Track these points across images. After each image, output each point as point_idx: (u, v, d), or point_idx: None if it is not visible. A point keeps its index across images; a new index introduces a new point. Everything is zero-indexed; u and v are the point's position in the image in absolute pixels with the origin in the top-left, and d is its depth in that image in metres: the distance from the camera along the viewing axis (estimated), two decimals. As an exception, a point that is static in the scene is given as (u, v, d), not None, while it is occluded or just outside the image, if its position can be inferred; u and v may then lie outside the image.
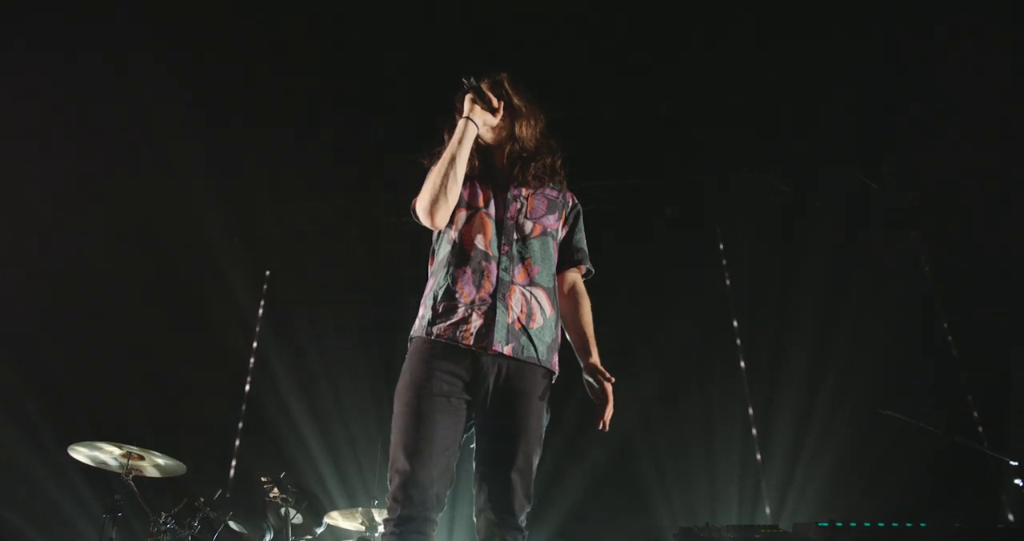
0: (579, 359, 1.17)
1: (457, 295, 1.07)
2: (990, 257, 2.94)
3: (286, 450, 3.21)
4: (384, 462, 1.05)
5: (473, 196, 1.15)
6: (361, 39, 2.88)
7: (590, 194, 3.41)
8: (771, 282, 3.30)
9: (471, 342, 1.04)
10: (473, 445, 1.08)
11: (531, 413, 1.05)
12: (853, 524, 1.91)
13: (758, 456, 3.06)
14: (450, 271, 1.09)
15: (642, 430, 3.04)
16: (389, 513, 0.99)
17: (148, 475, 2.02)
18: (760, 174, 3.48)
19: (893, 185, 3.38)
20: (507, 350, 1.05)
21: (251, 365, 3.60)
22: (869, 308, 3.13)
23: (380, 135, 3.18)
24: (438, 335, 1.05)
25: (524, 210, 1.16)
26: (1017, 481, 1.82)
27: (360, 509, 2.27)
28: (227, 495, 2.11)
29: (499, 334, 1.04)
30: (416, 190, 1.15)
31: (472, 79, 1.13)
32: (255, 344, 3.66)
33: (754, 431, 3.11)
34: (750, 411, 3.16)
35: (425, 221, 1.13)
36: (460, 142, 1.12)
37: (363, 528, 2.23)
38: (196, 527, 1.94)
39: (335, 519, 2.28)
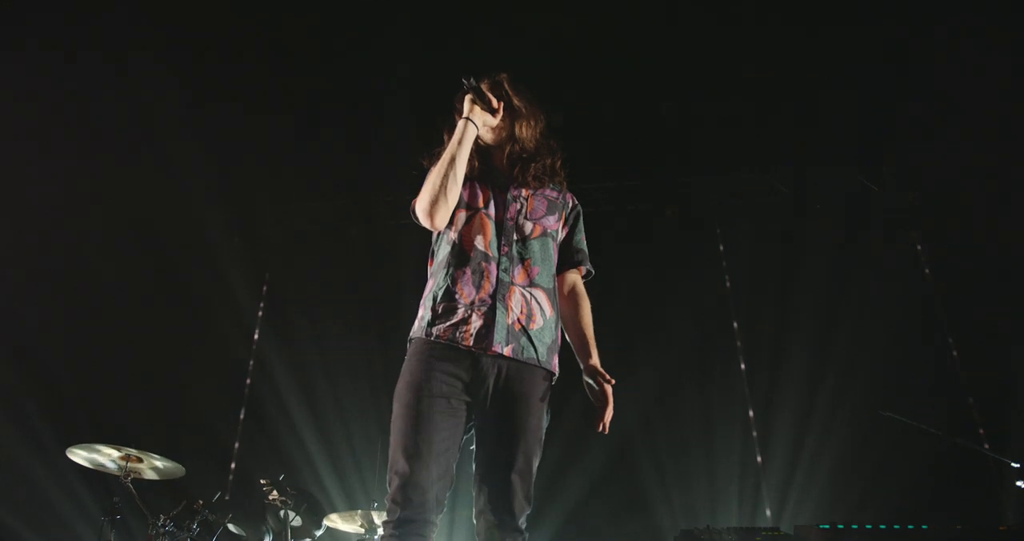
0: (579, 360, 1.17)
1: (457, 296, 1.06)
2: (990, 257, 2.94)
3: (285, 452, 3.20)
4: (384, 464, 1.04)
5: (473, 197, 1.15)
6: (361, 39, 2.87)
7: (590, 195, 3.40)
8: (771, 282, 3.30)
9: (471, 343, 1.03)
10: (473, 447, 1.07)
11: (531, 414, 1.04)
12: (855, 526, 1.91)
13: (758, 457, 3.05)
14: (450, 272, 1.09)
15: (642, 431, 3.03)
16: (388, 515, 0.99)
17: (147, 477, 2.02)
18: (760, 174, 3.48)
19: (893, 185, 3.38)
20: (507, 351, 1.04)
21: (250, 366, 3.59)
22: (869, 308, 3.12)
23: (380, 135, 3.17)
24: (438, 336, 1.05)
25: (524, 211, 1.15)
26: (1019, 483, 1.82)
27: (359, 511, 2.26)
28: (226, 497, 2.11)
29: (499, 335, 1.04)
30: (416, 190, 1.15)
31: (472, 79, 1.13)
32: (255, 345, 3.65)
33: (754, 432, 3.11)
34: (750, 412, 3.16)
35: (424, 222, 1.12)
36: (460, 143, 1.11)
37: (363, 530, 2.22)
38: (195, 530, 1.93)
39: (334, 521, 2.27)
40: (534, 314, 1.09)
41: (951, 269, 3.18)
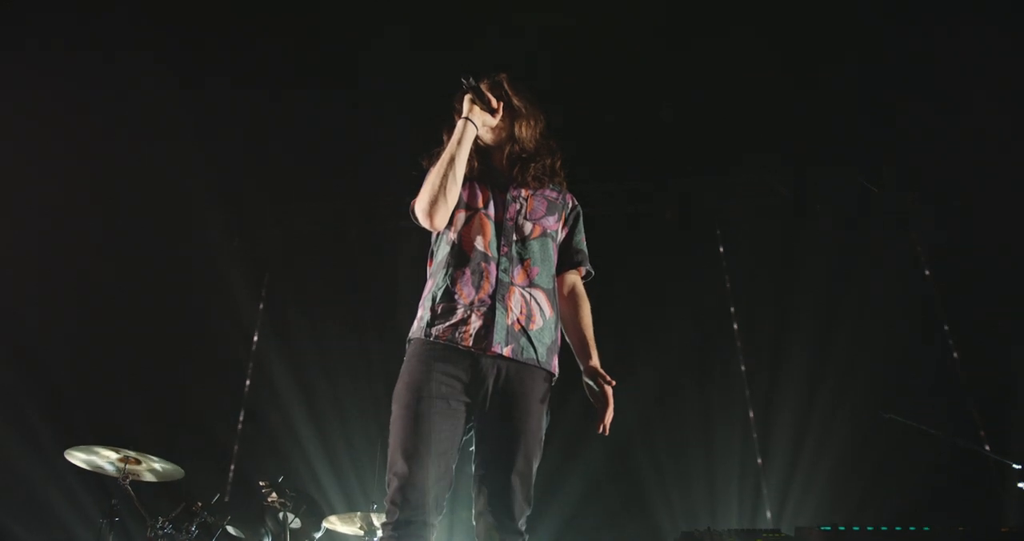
0: (579, 362, 1.17)
1: (456, 296, 1.06)
2: (990, 257, 2.94)
3: (284, 453, 3.19)
4: (383, 465, 1.04)
5: (472, 197, 1.15)
6: (361, 40, 2.88)
7: (589, 196, 3.40)
8: (771, 283, 3.29)
9: (470, 343, 1.03)
10: (472, 448, 1.07)
11: (531, 416, 1.04)
12: (856, 528, 1.90)
13: (758, 458, 3.05)
14: (449, 272, 1.08)
15: (642, 432, 3.02)
16: (387, 517, 0.98)
17: (145, 479, 2.01)
18: (760, 175, 3.48)
19: (893, 185, 3.38)
20: (506, 352, 1.04)
21: (250, 367, 3.59)
22: (869, 308, 3.12)
23: (380, 135, 3.17)
24: (437, 336, 1.04)
25: (524, 211, 1.15)
26: (1020, 484, 1.81)
27: (359, 513, 2.25)
28: (225, 499, 2.10)
29: (498, 335, 1.04)
30: (415, 191, 1.14)
31: (471, 79, 1.13)
32: (254, 346, 3.64)
33: (754, 433, 3.10)
34: (750, 413, 3.15)
35: (424, 222, 1.12)
36: (459, 143, 1.11)
37: (362, 532, 2.21)
38: (194, 532, 1.92)
39: (334, 523, 2.26)
40: (534, 314, 1.08)
41: (951, 269, 3.17)
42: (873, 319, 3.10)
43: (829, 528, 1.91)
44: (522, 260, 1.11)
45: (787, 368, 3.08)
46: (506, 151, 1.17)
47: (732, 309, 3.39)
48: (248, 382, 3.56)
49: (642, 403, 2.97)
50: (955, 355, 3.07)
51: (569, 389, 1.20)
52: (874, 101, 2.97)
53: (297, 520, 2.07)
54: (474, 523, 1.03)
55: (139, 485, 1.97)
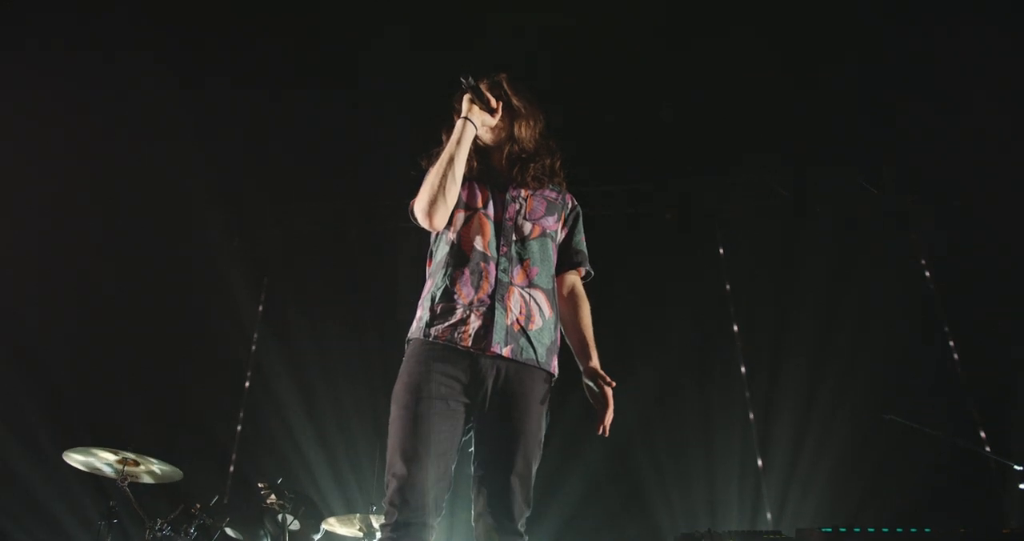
0: (578, 363, 1.16)
1: (455, 296, 1.06)
2: (990, 257, 2.93)
3: (284, 455, 3.18)
4: (382, 467, 1.03)
5: (472, 197, 1.14)
6: (361, 40, 2.87)
7: (590, 197, 3.40)
8: (771, 284, 3.29)
9: (469, 344, 1.03)
10: (472, 449, 1.06)
11: (530, 417, 1.04)
12: (857, 529, 1.89)
13: (759, 460, 3.04)
14: (448, 272, 1.08)
15: (642, 433, 3.02)
16: (386, 518, 0.98)
17: (144, 481, 2.00)
18: (760, 175, 3.48)
19: (892, 186, 3.37)
20: (506, 352, 1.04)
21: (249, 369, 3.58)
22: (869, 309, 3.12)
23: (380, 135, 3.17)
24: (436, 337, 1.04)
25: (523, 211, 1.15)
26: (1022, 485, 1.81)
27: (358, 515, 2.24)
28: (224, 501, 2.10)
29: (498, 335, 1.03)
30: (415, 191, 1.14)
31: (470, 79, 1.13)
32: (253, 347, 3.64)
33: (755, 434, 3.10)
34: (750, 414, 3.15)
35: (423, 222, 1.12)
36: (458, 142, 1.11)
37: (361, 534, 2.21)
38: (192, 534, 1.92)
39: (333, 525, 2.25)
40: (533, 315, 1.08)
41: (951, 269, 3.17)
42: (873, 319, 3.09)
43: (830, 529, 1.90)
44: (521, 260, 1.10)
45: (787, 368, 3.08)
46: (505, 151, 1.17)
47: (732, 309, 3.39)
48: (247, 383, 3.55)
49: (642, 404, 2.97)
50: (955, 356, 3.06)
51: (569, 390, 1.19)
52: (874, 101, 2.97)
53: (296, 522, 2.07)
54: (473, 524, 1.03)
55: (137, 487, 1.97)
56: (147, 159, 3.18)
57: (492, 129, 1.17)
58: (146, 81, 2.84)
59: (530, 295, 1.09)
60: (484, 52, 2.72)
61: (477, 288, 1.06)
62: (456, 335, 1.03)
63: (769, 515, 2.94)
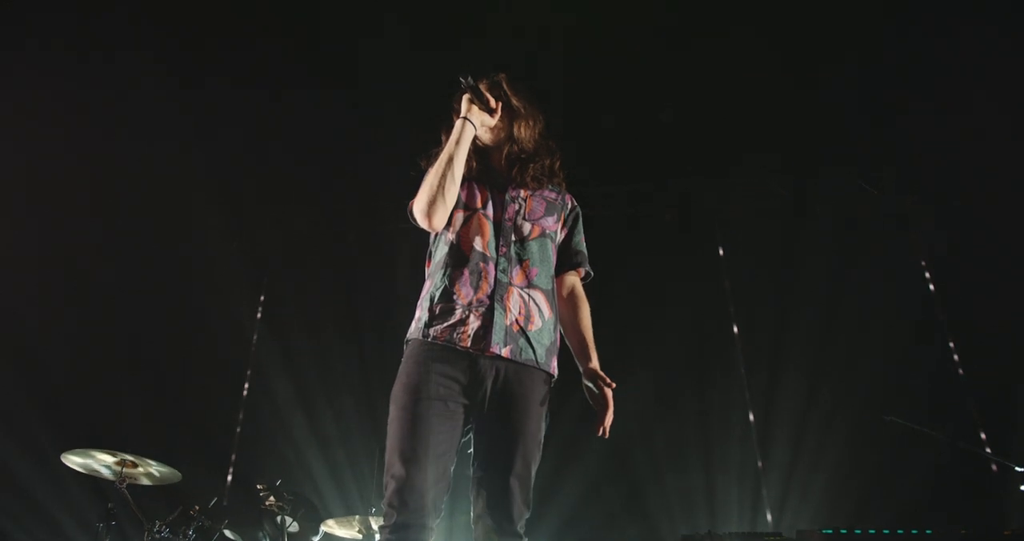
0: (578, 364, 1.16)
1: (455, 297, 1.05)
2: (990, 257, 2.93)
3: (283, 456, 3.17)
4: (381, 468, 1.03)
5: (471, 197, 1.14)
6: (361, 40, 2.87)
7: (589, 197, 3.39)
8: (771, 284, 3.29)
9: (468, 344, 1.02)
10: (471, 450, 1.06)
11: (530, 417, 1.03)
12: (858, 531, 1.89)
13: (758, 461, 3.03)
14: (447, 273, 1.08)
15: (641, 435, 3.01)
16: (385, 519, 0.97)
17: (142, 483, 2.00)
18: (760, 176, 3.47)
19: (892, 187, 3.37)
20: (505, 352, 1.03)
21: (249, 370, 3.57)
22: (869, 309, 3.11)
23: (380, 136, 3.17)
24: (435, 337, 1.03)
25: (522, 212, 1.14)
26: (1023, 487, 1.80)
27: (357, 517, 2.23)
28: (223, 503, 2.09)
29: (497, 336, 1.03)
30: (414, 191, 1.13)
31: (469, 79, 1.12)
32: (253, 348, 3.63)
33: (754, 435, 3.09)
34: (750, 415, 3.14)
35: (422, 223, 1.11)
36: (457, 143, 1.10)
37: (360, 536, 2.20)
38: (191, 536, 1.91)
39: (332, 527, 2.24)
40: (532, 315, 1.08)
41: (951, 269, 3.17)
42: (873, 319, 3.09)
43: (831, 531, 1.90)
44: (521, 261, 1.10)
45: (787, 369, 3.07)
46: (505, 151, 1.17)
47: (732, 309, 3.38)
48: (247, 384, 3.54)
49: (642, 405, 2.96)
50: (955, 357, 3.06)
51: (568, 390, 1.19)
52: (874, 101, 2.97)
53: (295, 524, 2.06)
54: (472, 526, 1.02)
55: (136, 489, 1.96)
56: (147, 159, 3.17)
57: (491, 129, 1.16)
58: (146, 81, 2.84)
59: (529, 296, 1.09)
60: (484, 52, 2.72)
61: (476, 288, 1.06)
62: (455, 335, 1.03)
63: (769, 516, 2.94)
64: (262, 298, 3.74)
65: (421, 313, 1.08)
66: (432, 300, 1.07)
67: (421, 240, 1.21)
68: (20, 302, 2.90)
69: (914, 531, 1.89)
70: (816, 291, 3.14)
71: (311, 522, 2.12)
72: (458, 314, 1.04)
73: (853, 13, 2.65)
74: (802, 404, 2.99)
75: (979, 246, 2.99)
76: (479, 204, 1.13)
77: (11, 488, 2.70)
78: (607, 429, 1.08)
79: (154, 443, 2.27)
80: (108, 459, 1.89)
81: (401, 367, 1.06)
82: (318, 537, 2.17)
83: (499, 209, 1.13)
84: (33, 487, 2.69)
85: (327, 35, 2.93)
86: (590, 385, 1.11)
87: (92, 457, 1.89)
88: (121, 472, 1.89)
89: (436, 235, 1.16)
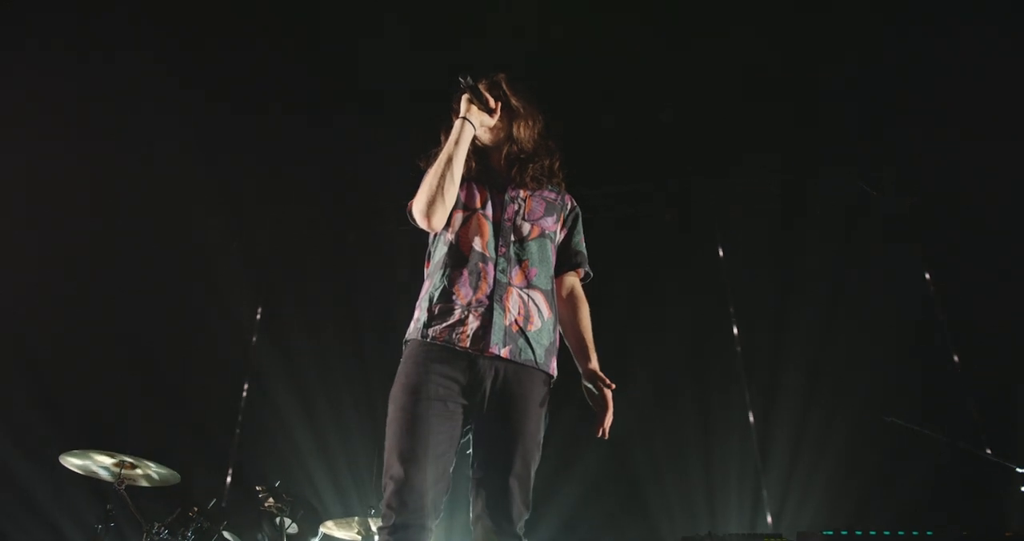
0: (578, 365, 1.16)
1: (454, 297, 1.05)
2: (990, 257, 2.93)
3: (282, 458, 3.17)
4: (381, 469, 1.03)
5: (470, 198, 1.14)
6: (361, 42, 2.87)
7: (588, 199, 3.38)
8: (771, 286, 3.28)
9: (467, 344, 1.02)
10: (470, 450, 1.05)
11: (529, 418, 1.03)
12: (858, 532, 1.88)
13: (759, 462, 3.03)
14: (446, 273, 1.07)
15: (641, 436, 3.01)
16: (383, 521, 0.97)
17: (141, 485, 1.99)
18: (759, 177, 3.47)
19: (892, 187, 3.37)
20: (504, 353, 1.03)
21: (248, 371, 3.57)
22: (870, 311, 3.11)
23: (380, 136, 3.17)
24: (434, 337, 1.03)
25: (522, 212, 1.14)
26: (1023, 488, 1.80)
27: (356, 518, 2.23)
28: (222, 504, 2.08)
29: (496, 336, 1.03)
30: (414, 192, 1.13)
31: (468, 78, 1.12)
32: (253, 349, 3.63)
33: (754, 436, 3.09)
34: (750, 416, 3.14)
35: (422, 223, 1.11)
36: (457, 143, 1.10)
37: (359, 538, 2.20)
38: (190, 537, 1.91)
39: (331, 529, 2.24)
40: (532, 316, 1.07)
41: (951, 269, 3.17)
42: (873, 319, 3.08)
43: (831, 532, 1.89)
44: (520, 261, 1.10)
45: (787, 369, 3.07)
46: (504, 151, 1.17)
47: (732, 310, 3.38)
48: (246, 385, 3.54)
49: (641, 405, 2.96)
50: (955, 357, 3.06)
51: (568, 391, 1.19)
52: (874, 101, 2.97)
53: (294, 525, 2.06)
54: (472, 527, 1.02)
55: (135, 490, 1.96)
56: (147, 159, 3.17)
57: (491, 129, 1.16)
58: (146, 81, 2.84)
59: (529, 296, 1.08)
60: (484, 52, 2.72)
61: (475, 289, 1.05)
62: (454, 336, 1.03)
63: (769, 518, 2.93)
64: (262, 297, 3.74)
65: (420, 313, 1.08)
66: (431, 300, 1.07)
67: (421, 240, 1.21)
68: (20, 302, 2.90)
69: (915, 532, 1.89)
70: (816, 291, 3.14)
71: (310, 523, 2.12)
72: (457, 314, 1.04)
73: (853, 13, 2.65)
74: (802, 404, 2.99)
75: (979, 246, 2.98)
76: (478, 204, 1.13)
77: (10, 489, 2.69)
78: (607, 430, 1.08)
79: (153, 443, 2.26)
80: (107, 460, 1.89)
81: (400, 367, 1.05)
82: (317, 538, 2.17)
83: (498, 209, 1.13)
84: (32, 488, 2.69)
85: (327, 35, 2.93)
86: (589, 386, 1.11)
87: (91, 458, 1.89)
88: (120, 473, 1.89)
89: (435, 235, 1.15)
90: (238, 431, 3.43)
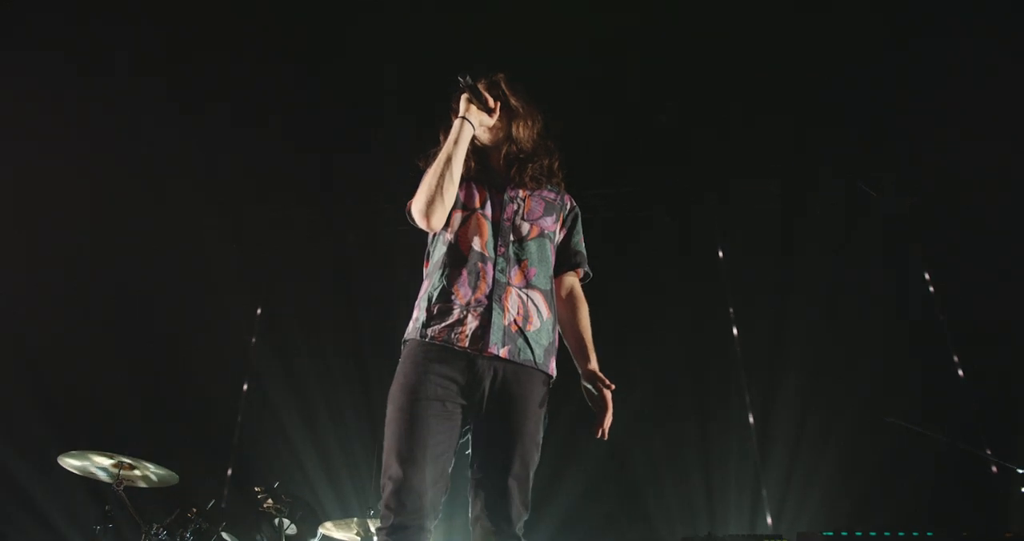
0: (577, 365, 1.15)
1: (453, 297, 1.05)
2: (990, 257, 2.93)
3: (281, 459, 3.16)
4: (379, 470, 1.02)
5: (469, 197, 1.14)
6: (360, 43, 2.88)
7: (588, 201, 3.39)
8: (770, 288, 3.28)
9: (466, 344, 1.02)
10: (469, 451, 1.05)
11: (528, 418, 1.03)
12: (859, 533, 1.88)
13: (759, 463, 3.02)
14: (445, 273, 1.07)
15: (640, 437, 3.00)
16: (382, 521, 0.97)
17: (140, 486, 1.99)
18: (759, 179, 3.47)
19: (892, 188, 3.37)
20: (503, 353, 1.03)
21: (247, 372, 3.56)
22: (869, 311, 3.11)
23: (380, 136, 3.17)
24: (432, 337, 1.03)
25: (521, 212, 1.14)
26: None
27: (355, 519, 2.22)
28: (221, 505, 2.08)
29: (495, 336, 1.02)
30: (413, 192, 1.13)
31: (468, 78, 1.12)
32: (252, 349, 3.62)
33: (754, 437, 3.08)
34: (750, 417, 3.13)
35: (421, 223, 1.11)
36: (456, 142, 1.10)
37: (358, 539, 2.19)
38: (188, 538, 1.90)
39: (330, 530, 2.23)
40: (531, 316, 1.07)
41: (951, 269, 3.17)
42: (873, 319, 3.08)
43: (831, 533, 1.89)
44: (519, 261, 1.10)
45: (787, 370, 3.07)
46: (503, 151, 1.16)
47: (731, 310, 3.38)
48: (245, 386, 3.54)
49: (641, 406, 2.95)
50: (955, 358, 3.05)
51: (567, 391, 1.18)
52: (874, 101, 2.97)
53: (293, 526, 2.05)
54: (471, 527, 1.02)
55: (133, 491, 1.95)
56: (147, 160, 3.17)
57: (490, 129, 1.16)
58: (146, 82, 2.85)
59: (528, 296, 1.08)
60: (484, 52, 2.72)
61: (474, 288, 1.05)
62: (453, 336, 1.02)
63: (769, 518, 2.93)
64: (261, 299, 3.74)
65: (419, 313, 1.08)
66: (430, 300, 1.06)
67: (420, 240, 1.21)
68: (20, 302, 2.89)
69: (915, 533, 1.89)
70: (816, 291, 3.14)
71: (309, 524, 2.11)
72: (456, 314, 1.04)
73: (853, 13, 2.65)
74: (802, 404, 2.98)
75: (979, 246, 2.98)
76: (477, 204, 1.13)
77: (8, 490, 2.69)
78: (606, 431, 1.07)
79: (152, 444, 2.26)
80: (105, 462, 1.89)
81: (399, 367, 1.05)
82: (316, 539, 2.16)
83: (497, 209, 1.13)
84: (30, 489, 2.68)
85: (327, 35, 2.93)
86: (589, 386, 1.10)
87: (89, 459, 1.88)
88: (118, 474, 1.89)
89: (434, 235, 1.15)
90: (237, 432, 3.42)
